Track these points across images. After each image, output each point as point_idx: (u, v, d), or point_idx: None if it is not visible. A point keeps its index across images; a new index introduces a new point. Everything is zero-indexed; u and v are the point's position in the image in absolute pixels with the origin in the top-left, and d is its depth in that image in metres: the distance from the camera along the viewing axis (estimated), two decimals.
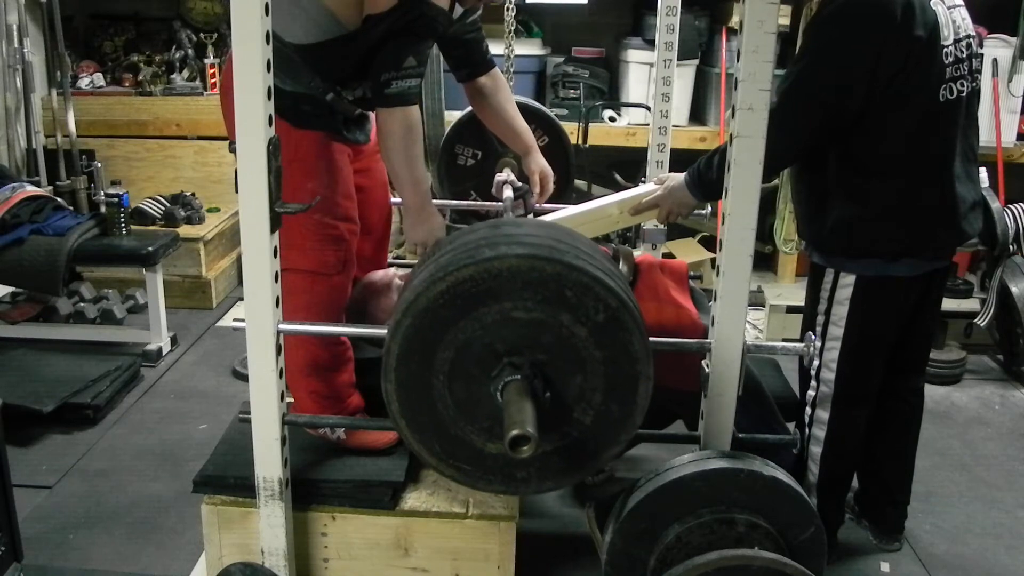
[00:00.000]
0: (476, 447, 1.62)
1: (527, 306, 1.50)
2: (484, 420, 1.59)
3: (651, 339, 1.97)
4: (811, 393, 2.15)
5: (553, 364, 1.54)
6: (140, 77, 4.63)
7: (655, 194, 2.34)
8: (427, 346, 1.54)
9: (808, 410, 2.18)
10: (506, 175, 2.56)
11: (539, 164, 2.46)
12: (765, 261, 4.42)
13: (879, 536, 2.52)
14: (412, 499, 1.99)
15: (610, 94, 4.49)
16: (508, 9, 3.13)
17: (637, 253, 2.44)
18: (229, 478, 1.97)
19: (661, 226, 2.71)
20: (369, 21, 1.93)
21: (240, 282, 3.94)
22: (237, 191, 1.67)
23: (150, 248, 3.49)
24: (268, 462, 1.80)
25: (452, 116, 2.94)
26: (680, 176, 2.27)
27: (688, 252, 4.29)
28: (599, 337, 1.52)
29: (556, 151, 2.74)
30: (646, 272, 2.13)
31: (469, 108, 2.56)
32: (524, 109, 2.58)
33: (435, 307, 1.51)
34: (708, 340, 1.74)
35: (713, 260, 3.29)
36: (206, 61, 4.62)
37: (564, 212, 2.46)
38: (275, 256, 1.70)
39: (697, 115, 4.48)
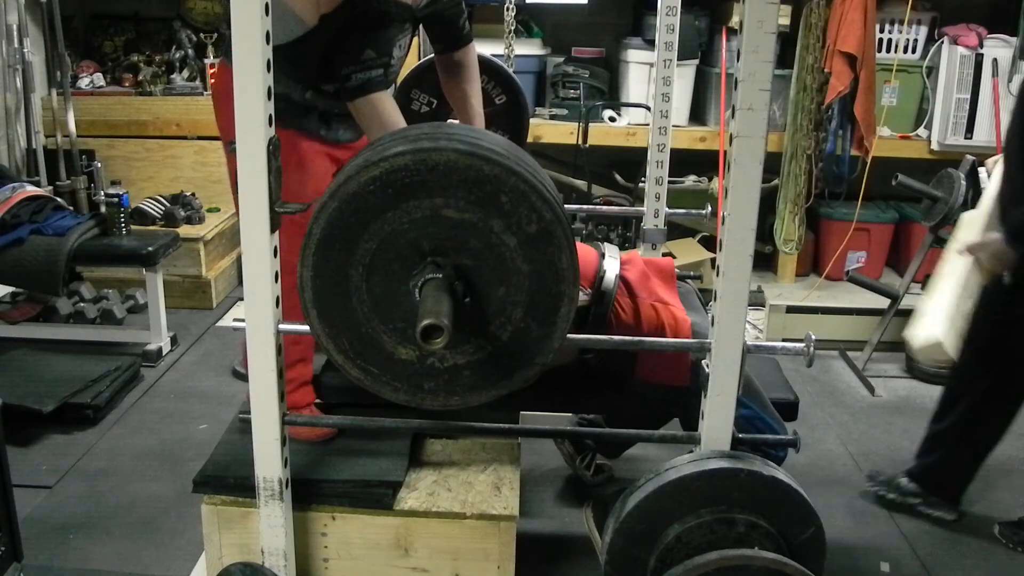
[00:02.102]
0: (387, 350, 1.56)
1: (460, 205, 1.45)
2: (399, 321, 1.53)
3: (648, 338, 2.00)
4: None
5: (477, 272, 1.49)
6: (140, 77, 4.63)
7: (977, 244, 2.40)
8: (351, 234, 1.48)
9: None
10: (458, 121, 2.58)
11: None
12: (765, 261, 4.42)
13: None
14: (412, 499, 1.99)
15: (610, 94, 4.49)
16: (508, 9, 3.14)
17: (626, 252, 2.44)
18: (229, 478, 1.97)
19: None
20: (324, 20, 1.96)
21: (240, 282, 3.94)
22: None
23: (150, 248, 3.49)
24: (268, 462, 1.80)
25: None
26: (995, 234, 2.34)
27: (688, 252, 4.30)
28: (528, 250, 1.47)
29: (513, 112, 2.74)
30: (632, 270, 2.14)
31: (431, 55, 2.56)
32: (485, 65, 2.58)
33: (365, 193, 1.45)
34: (708, 340, 1.74)
35: (713, 260, 3.29)
36: (206, 61, 4.62)
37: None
38: (275, 256, 1.70)
39: (697, 115, 4.48)
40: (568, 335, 1.98)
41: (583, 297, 2.05)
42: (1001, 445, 3.14)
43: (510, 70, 2.82)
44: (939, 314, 2.44)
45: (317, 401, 2.20)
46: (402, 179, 1.44)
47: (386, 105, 1.99)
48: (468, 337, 1.53)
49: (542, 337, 1.53)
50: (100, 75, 4.65)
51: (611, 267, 2.09)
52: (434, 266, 1.48)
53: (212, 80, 4.54)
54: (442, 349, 1.47)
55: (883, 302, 3.79)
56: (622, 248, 4.20)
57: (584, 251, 2.20)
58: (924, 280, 3.96)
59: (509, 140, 1.69)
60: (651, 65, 3.34)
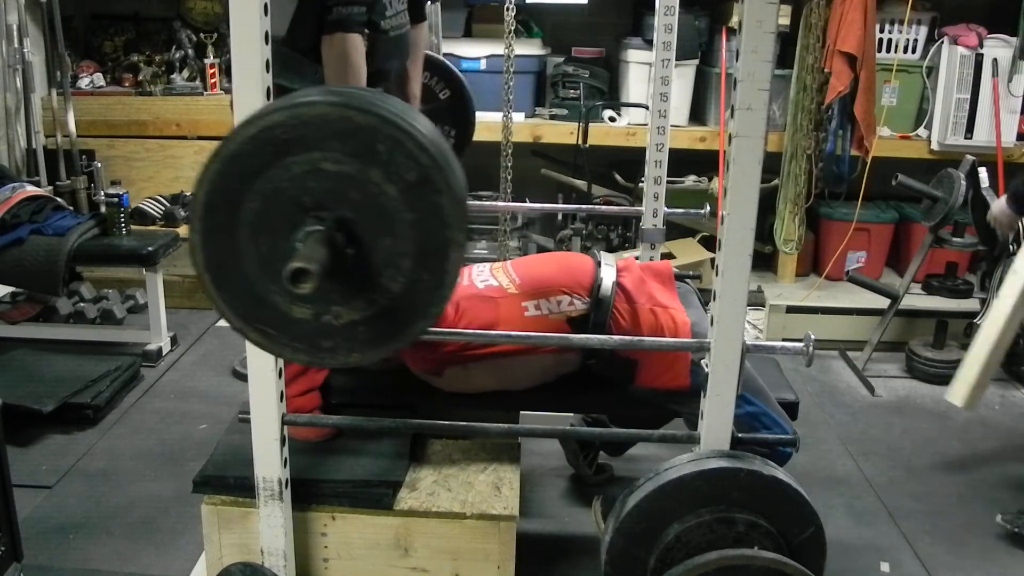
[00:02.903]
0: (281, 310, 1.55)
1: (337, 158, 1.45)
2: None
3: (648, 338, 2.00)
4: None
5: (362, 223, 1.49)
6: (140, 77, 4.63)
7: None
8: (234, 194, 1.49)
9: None
10: None
11: None
12: (765, 261, 4.42)
13: None
14: (412, 499, 1.99)
15: (610, 94, 4.49)
16: (508, 9, 3.13)
17: (626, 256, 2.44)
18: (229, 478, 1.97)
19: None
20: None
21: None
22: None
23: (150, 248, 3.50)
24: (268, 462, 1.80)
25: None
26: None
27: (688, 252, 4.30)
28: (409, 198, 1.46)
29: (457, 106, 2.79)
30: (629, 276, 2.14)
31: None
32: (425, 62, 2.60)
33: (243, 153, 1.46)
34: (708, 340, 1.74)
35: (713, 260, 3.29)
36: (206, 61, 4.61)
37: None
38: None
39: (697, 115, 4.48)
40: (570, 336, 2.01)
41: (581, 305, 2.05)
42: (1003, 444, 3.16)
43: (450, 64, 2.84)
44: (964, 375, 2.65)
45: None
46: (279, 135, 1.45)
47: (357, 48, 1.96)
48: (361, 292, 1.53)
49: (434, 286, 1.52)
50: (100, 75, 4.65)
51: (608, 274, 2.10)
52: (315, 220, 1.48)
53: (214, 78, 4.56)
54: (317, 299, 1.50)
55: (883, 302, 3.79)
56: (622, 248, 4.21)
57: (580, 260, 2.21)
58: (924, 280, 3.97)
59: (407, 104, 1.70)
60: (651, 65, 3.34)
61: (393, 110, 1.47)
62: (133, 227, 3.70)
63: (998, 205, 2.91)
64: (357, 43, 1.95)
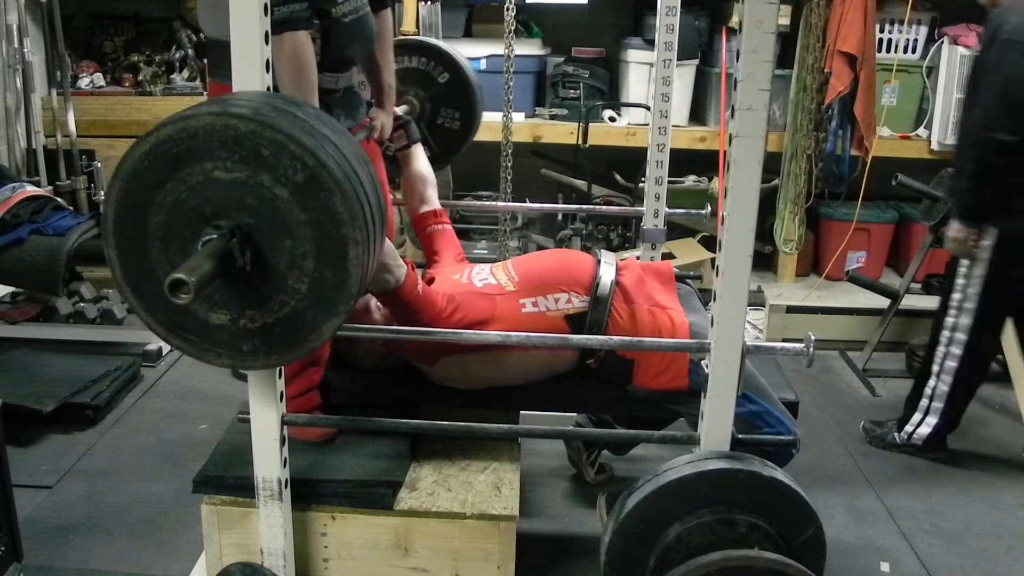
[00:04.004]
0: (200, 317, 1.60)
1: (227, 166, 1.49)
2: None
3: (647, 339, 2.00)
4: (952, 303, 2.83)
5: (261, 228, 1.53)
6: (140, 77, 4.63)
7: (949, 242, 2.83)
8: (139, 210, 1.54)
9: (946, 333, 2.87)
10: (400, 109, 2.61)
11: (380, 117, 2.39)
12: (765, 261, 4.43)
13: None
14: (412, 499, 1.99)
15: (610, 94, 4.49)
16: (508, 9, 3.13)
17: (626, 256, 2.44)
18: (229, 478, 1.96)
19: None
20: None
21: None
22: None
23: None
24: (267, 462, 1.80)
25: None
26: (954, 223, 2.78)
27: (688, 252, 4.30)
28: (301, 198, 1.50)
29: (458, 89, 2.78)
30: (628, 275, 2.14)
31: None
32: (420, 47, 2.64)
33: (141, 169, 1.51)
34: (708, 340, 1.74)
35: (713, 260, 3.29)
36: (206, 61, 4.61)
37: None
38: None
39: (697, 115, 4.48)
40: (569, 337, 2.01)
41: (579, 303, 2.05)
42: (1003, 444, 3.15)
43: (445, 46, 2.80)
44: None
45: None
46: (170, 150, 1.49)
47: (305, 46, 1.92)
48: (271, 294, 1.57)
49: (338, 285, 1.55)
50: (100, 75, 4.65)
51: (607, 273, 2.09)
52: (214, 228, 1.52)
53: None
54: (232, 304, 1.55)
55: (883, 302, 3.79)
56: (622, 248, 4.21)
57: (580, 257, 2.21)
58: (924, 280, 3.97)
59: (285, 96, 1.70)
60: (651, 65, 3.34)
61: (277, 114, 1.50)
62: None
63: (952, 228, 2.77)
64: (303, 40, 1.92)
